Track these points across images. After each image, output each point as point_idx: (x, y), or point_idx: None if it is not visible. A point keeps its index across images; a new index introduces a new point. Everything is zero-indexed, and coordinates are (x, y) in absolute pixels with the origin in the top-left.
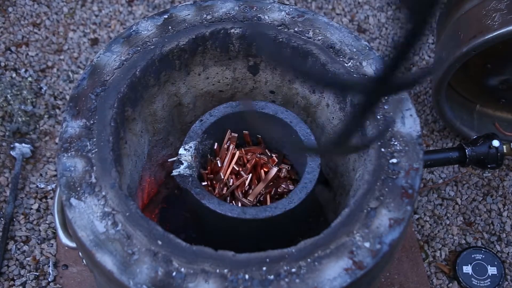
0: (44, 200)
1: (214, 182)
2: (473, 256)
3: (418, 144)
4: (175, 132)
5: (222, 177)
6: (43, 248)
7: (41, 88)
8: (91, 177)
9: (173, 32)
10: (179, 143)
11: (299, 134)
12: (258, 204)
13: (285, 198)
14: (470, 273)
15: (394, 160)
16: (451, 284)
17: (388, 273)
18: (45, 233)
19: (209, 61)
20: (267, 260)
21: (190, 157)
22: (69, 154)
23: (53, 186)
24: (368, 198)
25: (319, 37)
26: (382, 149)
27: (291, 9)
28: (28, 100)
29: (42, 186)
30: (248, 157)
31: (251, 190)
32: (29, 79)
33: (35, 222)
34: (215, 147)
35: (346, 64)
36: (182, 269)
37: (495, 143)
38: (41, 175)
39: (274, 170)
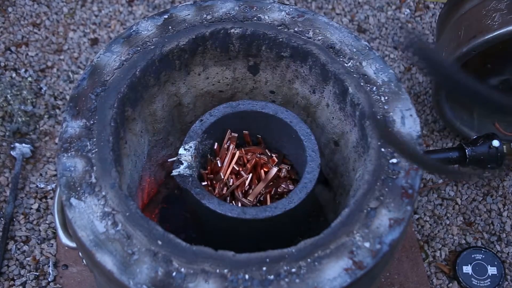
0: (44, 200)
1: (214, 182)
2: (473, 256)
3: (418, 144)
4: (175, 132)
5: (222, 177)
6: (43, 248)
7: (41, 88)
8: (91, 177)
9: (173, 32)
10: (179, 143)
11: (299, 134)
12: (258, 204)
13: (285, 198)
14: (470, 273)
15: (394, 160)
16: (451, 284)
17: (388, 273)
18: (45, 233)
19: (209, 61)
20: (267, 260)
21: (190, 157)
22: (69, 154)
23: (53, 186)
24: (368, 198)
25: (319, 37)
26: (382, 149)
27: (291, 9)
28: (28, 100)
29: (42, 186)
30: (248, 157)
31: (251, 190)
32: (29, 79)
33: (35, 222)
34: (215, 147)
35: (346, 64)
36: (182, 269)
37: (495, 143)
38: (41, 175)
39: (274, 170)
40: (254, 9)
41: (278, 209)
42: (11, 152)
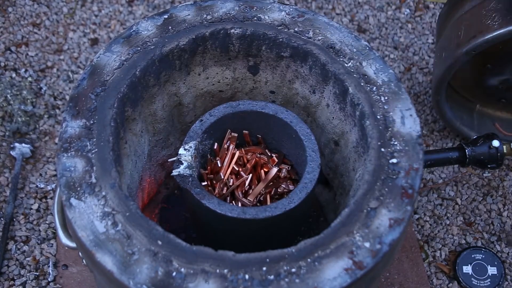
0: (44, 200)
1: (214, 182)
2: (473, 256)
3: (418, 144)
4: (175, 132)
5: (222, 177)
6: (43, 248)
7: (41, 88)
8: (91, 177)
9: (173, 32)
10: (179, 143)
11: (299, 134)
12: (258, 204)
13: (285, 198)
14: (470, 273)
15: (394, 160)
16: (451, 284)
17: (388, 273)
18: (45, 233)
19: (209, 61)
20: (267, 260)
21: (190, 157)
22: (69, 154)
23: (53, 186)
24: (368, 198)
25: (319, 37)
26: (382, 149)
27: (291, 9)
28: (28, 100)
29: (42, 186)
30: (248, 157)
31: (251, 190)
32: (29, 79)
33: (35, 222)
34: (215, 147)
35: (346, 64)
36: (182, 269)
37: (495, 143)
38: (41, 175)
39: (274, 170)
40: (254, 9)
41: (278, 209)
42: (11, 152)
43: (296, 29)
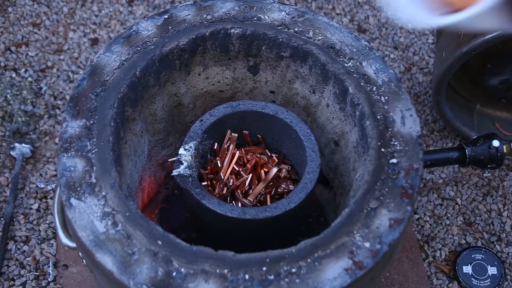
0: (44, 200)
1: (214, 182)
2: (473, 256)
3: (418, 144)
4: (175, 132)
5: (222, 177)
6: (43, 248)
7: (41, 88)
8: (91, 177)
9: (173, 32)
10: (179, 143)
11: (299, 134)
12: (258, 204)
13: (285, 198)
14: (470, 273)
15: (394, 160)
16: (451, 284)
17: (388, 273)
18: (45, 233)
19: (209, 61)
20: (267, 260)
21: (190, 157)
22: (69, 154)
23: (53, 186)
24: (368, 198)
25: (319, 37)
26: (382, 149)
27: (291, 9)
28: (28, 100)
29: (42, 186)
30: (248, 157)
31: (251, 190)
32: (29, 79)
33: (35, 222)
34: (215, 147)
35: (346, 64)
36: (182, 269)
37: (495, 143)
38: (41, 175)
39: (274, 170)
40: (254, 9)
41: (278, 209)
42: (11, 152)
43: (296, 29)
